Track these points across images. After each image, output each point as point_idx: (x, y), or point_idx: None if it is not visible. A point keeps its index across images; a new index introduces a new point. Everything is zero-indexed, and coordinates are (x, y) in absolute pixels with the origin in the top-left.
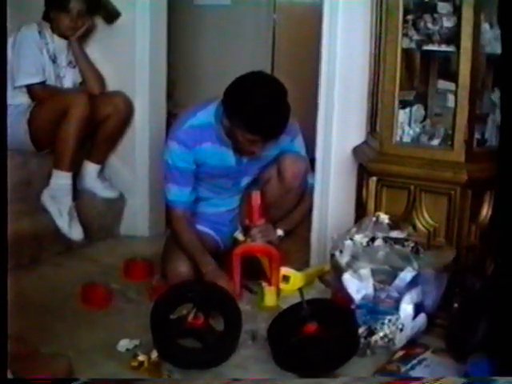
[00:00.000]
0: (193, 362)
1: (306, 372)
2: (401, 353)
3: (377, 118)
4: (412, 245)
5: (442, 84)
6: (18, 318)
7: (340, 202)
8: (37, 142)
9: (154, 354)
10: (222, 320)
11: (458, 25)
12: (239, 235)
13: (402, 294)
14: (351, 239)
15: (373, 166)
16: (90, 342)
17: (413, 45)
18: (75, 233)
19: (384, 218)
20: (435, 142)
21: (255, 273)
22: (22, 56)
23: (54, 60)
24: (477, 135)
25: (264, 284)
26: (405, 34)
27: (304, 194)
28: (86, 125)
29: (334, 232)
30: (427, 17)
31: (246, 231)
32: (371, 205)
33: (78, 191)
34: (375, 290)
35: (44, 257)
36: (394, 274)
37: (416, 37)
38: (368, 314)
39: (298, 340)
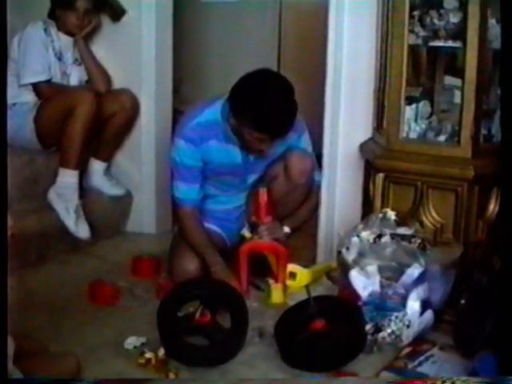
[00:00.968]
0: (200, 359)
1: (314, 369)
2: (408, 349)
3: (383, 114)
4: (419, 241)
5: (449, 80)
6: (25, 316)
7: (347, 198)
8: (43, 140)
9: (161, 352)
10: (229, 317)
11: (464, 20)
12: (246, 232)
13: (409, 291)
14: (358, 236)
15: (379, 162)
16: (97, 339)
17: (419, 41)
18: (82, 231)
19: (391, 214)
20: (442, 138)
21: (262, 270)
22: (28, 54)
23: (59, 58)
24: (483, 131)
25: (271, 281)
26: (411, 30)
27: (311, 190)
28: (92, 123)
29: (340, 229)
30: (433, 13)
31: (253, 228)
32: (378, 201)
33: (84, 189)
34: (382, 286)
35: (51, 255)
36: (400, 270)
37: (422, 33)
38: (375, 311)
39: (305, 337)
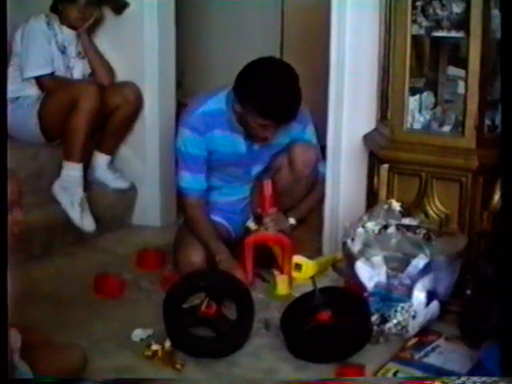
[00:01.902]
0: (206, 350)
1: (320, 360)
2: (414, 340)
3: (387, 105)
4: (424, 232)
5: (452, 70)
6: (30, 309)
7: (351, 189)
8: (47, 134)
9: (168, 344)
10: (235, 309)
11: (468, 10)
12: (251, 224)
13: (414, 282)
14: (363, 227)
15: (384, 153)
16: (103, 332)
17: (422, 31)
18: (87, 224)
19: (396, 205)
20: (446, 128)
21: (267, 261)
22: (31, 48)
23: (62, 51)
24: (487, 121)
25: (276, 273)
26: (414, 21)
27: (315, 182)
28: (95, 116)
29: (345, 220)
30: (436, 3)
31: (258, 220)
32: (383, 192)
33: (88, 182)
34: (388, 277)
35: (56, 248)
36: (406, 261)
37: (425, 23)
38: (381, 302)
39: (311, 328)
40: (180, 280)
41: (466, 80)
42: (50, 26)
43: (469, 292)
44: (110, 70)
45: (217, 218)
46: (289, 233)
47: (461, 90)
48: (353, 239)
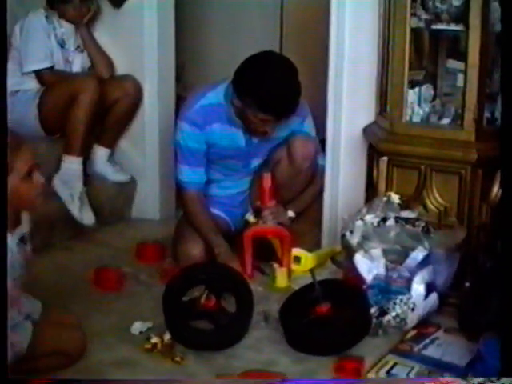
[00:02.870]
0: (205, 343)
1: (319, 352)
2: (413, 332)
3: (386, 98)
4: (423, 224)
5: (452, 63)
6: None
7: (350, 182)
8: (47, 127)
9: (167, 336)
10: (234, 302)
11: (467, 3)
12: (250, 217)
13: (413, 274)
14: (362, 219)
15: (383, 145)
16: (103, 325)
17: (421, 24)
18: (86, 218)
19: (395, 197)
20: (445, 121)
21: (267, 254)
22: (30, 41)
23: (62, 45)
24: (487, 114)
25: (275, 265)
26: (413, 14)
27: (314, 175)
28: (95, 109)
29: (344, 213)
30: None
31: (257, 213)
32: (382, 185)
33: (88, 176)
34: (387, 269)
35: (55, 241)
36: (405, 253)
37: (424, 16)
38: (380, 294)
39: (311, 321)
40: (179, 273)
41: (465, 73)
42: (48, 20)
43: (467, 284)
44: (110, 64)
45: (216, 211)
46: (288, 226)
47: (460, 82)
48: (352, 232)
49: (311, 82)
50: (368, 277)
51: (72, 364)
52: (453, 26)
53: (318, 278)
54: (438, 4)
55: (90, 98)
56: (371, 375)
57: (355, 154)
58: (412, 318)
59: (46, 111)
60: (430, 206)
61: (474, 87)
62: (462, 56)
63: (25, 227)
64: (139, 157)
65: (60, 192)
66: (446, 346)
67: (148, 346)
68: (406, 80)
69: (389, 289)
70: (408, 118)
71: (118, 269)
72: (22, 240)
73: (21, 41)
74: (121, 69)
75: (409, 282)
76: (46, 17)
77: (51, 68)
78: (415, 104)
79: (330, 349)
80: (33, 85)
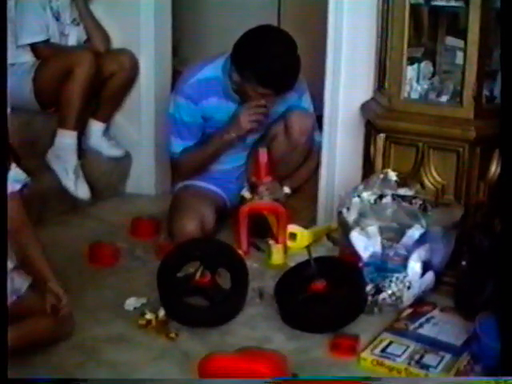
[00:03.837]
0: (200, 320)
1: (314, 330)
2: (409, 311)
3: (385, 74)
4: (420, 202)
5: (451, 41)
6: None
7: (347, 159)
8: (42, 101)
9: (162, 313)
10: (229, 278)
11: None
12: (246, 193)
13: (409, 252)
14: (359, 196)
15: (381, 122)
16: (97, 300)
17: (421, 0)
18: (82, 192)
19: (392, 175)
20: (444, 98)
21: (262, 231)
22: (26, 14)
23: (57, 18)
24: (486, 92)
25: (271, 242)
26: None
27: (311, 150)
28: (91, 83)
29: (341, 189)
30: None
31: (253, 189)
32: (379, 162)
33: (83, 150)
34: (383, 247)
35: (50, 216)
36: (401, 231)
37: None
38: (376, 272)
39: (306, 298)
40: (174, 249)
41: (464, 50)
42: None
43: (464, 263)
44: (106, 37)
45: (212, 187)
46: (284, 202)
47: (459, 60)
48: (348, 209)
49: (309, 58)
50: (364, 254)
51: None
52: (452, 2)
53: (314, 254)
54: None
55: (85, 72)
56: (366, 353)
57: (352, 130)
58: (408, 297)
59: (41, 85)
60: (427, 183)
61: (474, 65)
62: (462, 33)
63: None
64: (135, 132)
65: (54, 166)
66: (442, 325)
67: (142, 322)
68: (405, 56)
69: (385, 267)
70: (406, 94)
71: (113, 244)
72: None
73: (16, 13)
74: (117, 42)
75: (405, 260)
76: None
77: (47, 41)
78: (414, 81)
79: (325, 326)
80: (28, 58)
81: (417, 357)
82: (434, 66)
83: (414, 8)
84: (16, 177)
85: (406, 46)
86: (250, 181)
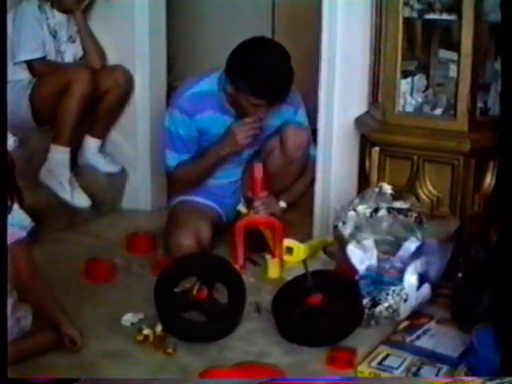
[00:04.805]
0: (197, 335)
1: (311, 343)
2: (405, 323)
3: (379, 88)
4: (415, 215)
5: (444, 53)
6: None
7: (343, 172)
8: (38, 118)
9: (159, 328)
10: (226, 293)
11: None
12: (242, 208)
13: (406, 265)
14: (354, 210)
15: (375, 136)
16: (94, 316)
17: (414, 14)
18: (80, 201)
19: (387, 188)
20: (438, 111)
21: (259, 245)
22: (23, 31)
23: (54, 35)
24: (480, 104)
25: (267, 256)
26: (406, 3)
27: (306, 165)
28: (87, 100)
29: (336, 203)
30: None
31: (249, 203)
32: (374, 175)
33: (79, 167)
34: (379, 260)
35: (46, 233)
36: (397, 244)
37: (417, 5)
38: (372, 285)
39: (303, 311)
40: (171, 264)
41: (458, 63)
42: (41, 10)
43: (460, 275)
44: (102, 54)
45: (208, 202)
46: (280, 216)
47: (452, 72)
48: (344, 222)
49: (303, 72)
50: (360, 267)
51: None
52: (445, 16)
53: (310, 268)
54: None
55: (82, 89)
56: (364, 366)
57: (347, 144)
58: (404, 309)
59: (37, 102)
60: (422, 196)
61: (467, 77)
62: (455, 46)
63: None
64: (130, 147)
65: (48, 182)
66: (439, 337)
67: (140, 337)
68: (399, 70)
69: (381, 279)
70: (401, 108)
71: (110, 260)
72: None
73: (13, 30)
74: (112, 59)
75: (401, 273)
76: (39, 7)
77: (43, 58)
78: (408, 94)
79: (322, 340)
80: (25, 75)
81: (414, 369)
82: (428, 79)
83: (408, 22)
84: (20, 221)
85: (399, 59)
86: (246, 195)
